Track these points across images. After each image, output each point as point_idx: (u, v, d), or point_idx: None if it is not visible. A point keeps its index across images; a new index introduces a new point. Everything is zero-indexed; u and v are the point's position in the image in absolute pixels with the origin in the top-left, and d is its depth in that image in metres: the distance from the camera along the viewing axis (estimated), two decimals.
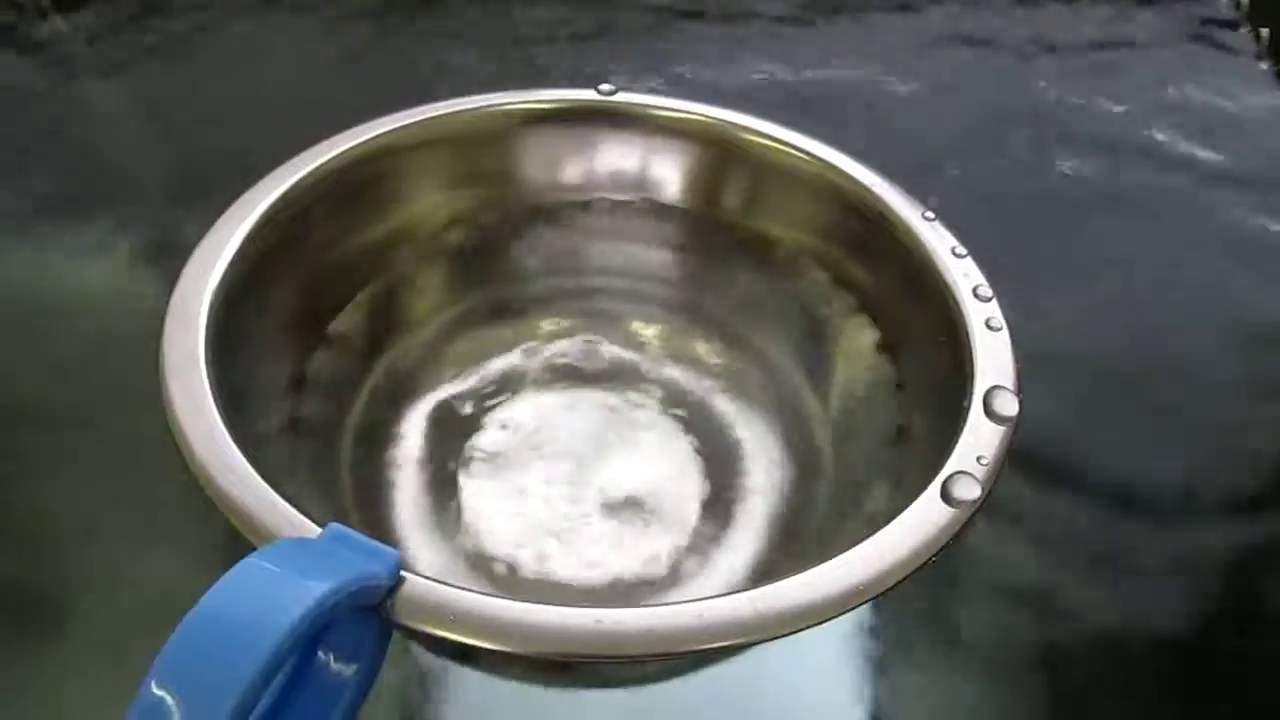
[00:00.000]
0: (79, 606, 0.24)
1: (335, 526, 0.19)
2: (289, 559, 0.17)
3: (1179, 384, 0.30)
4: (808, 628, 0.18)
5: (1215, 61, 0.42)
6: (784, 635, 0.18)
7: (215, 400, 0.21)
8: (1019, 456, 0.21)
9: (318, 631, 0.18)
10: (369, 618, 0.18)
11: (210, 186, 0.25)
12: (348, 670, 0.19)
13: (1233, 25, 0.44)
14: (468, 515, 0.25)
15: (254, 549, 0.17)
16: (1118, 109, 0.40)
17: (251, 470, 0.20)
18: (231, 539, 0.19)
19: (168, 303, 0.22)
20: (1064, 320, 0.32)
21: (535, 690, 0.23)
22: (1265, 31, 0.43)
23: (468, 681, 0.24)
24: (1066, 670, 0.24)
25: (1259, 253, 0.35)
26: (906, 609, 0.25)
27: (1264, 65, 0.42)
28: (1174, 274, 0.34)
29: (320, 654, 0.19)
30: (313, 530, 0.19)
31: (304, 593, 0.16)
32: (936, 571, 0.19)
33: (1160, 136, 0.39)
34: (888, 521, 0.19)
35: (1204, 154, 0.38)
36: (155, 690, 0.15)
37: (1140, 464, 0.28)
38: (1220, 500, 0.28)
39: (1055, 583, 0.26)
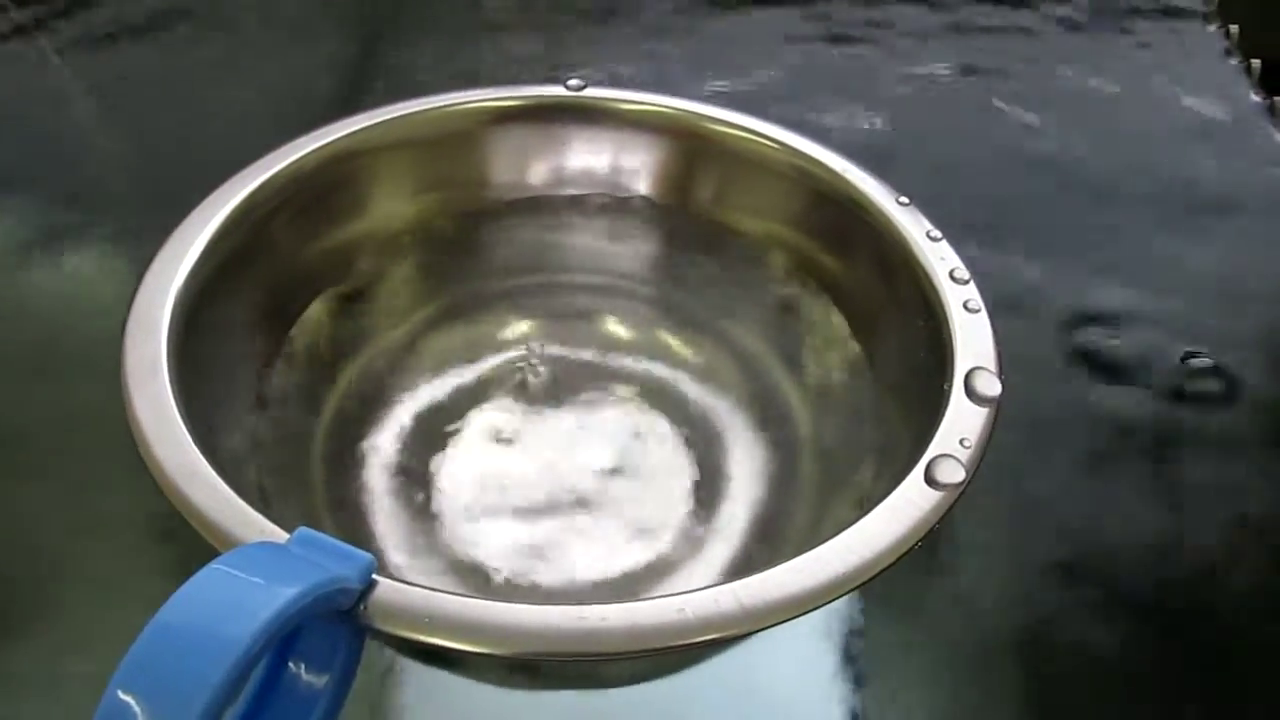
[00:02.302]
0: (33, 612, 0.24)
1: (304, 530, 0.18)
2: (255, 563, 0.17)
3: None
4: (794, 618, 0.18)
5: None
6: (770, 626, 0.18)
7: (178, 407, 0.20)
8: None
9: (287, 639, 0.18)
10: (341, 624, 0.18)
11: (174, 191, 0.25)
12: (320, 680, 0.18)
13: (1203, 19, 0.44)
14: (443, 520, 0.24)
15: None
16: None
17: (217, 477, 0.19)
18: (199, 548, 0.18)
19: (129, 309, 0.22)
20: None
21: (517, 694, 0.23)
22: (1235, 28, 0.44)
23: (447, 687, 0.23)
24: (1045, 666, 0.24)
25: None
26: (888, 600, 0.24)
27: (1233, 61, 0.42)
28: None
29: (291, 664, 0.18)
30: (281, 535, 0.18)
31: (271, 596, 0.16)
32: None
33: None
34: (872, 507, 0.19)
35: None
36: (120, 697, 0.14)
37: None
38: None
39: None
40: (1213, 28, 0.44)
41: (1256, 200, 0.36)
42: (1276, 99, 0.39)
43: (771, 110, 0.27)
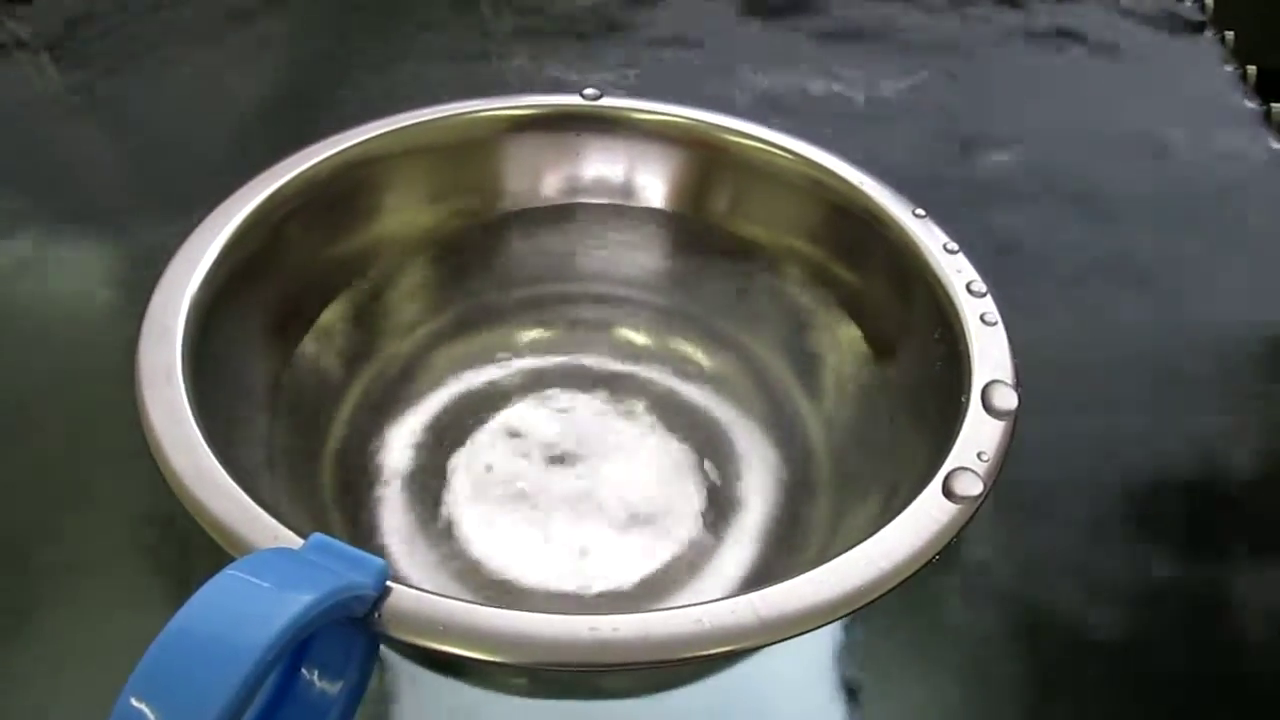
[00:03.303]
0: (46, 618, 0.24)
1: (318, 536, 0.18)
2: (270, 569, 0.17)
3: None
4: (812, 629, 0.18)
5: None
6: (788, 638, 0.17)
7: (192, 411, 0.20)
8: None
9: (301, 645, 0.18)
10: (355, 631, 0.18)
11: (185, 196, 0.25)
12: (333, 687, 0.18)
13: (1199, 27, 0.44)
14: (456, 528, 0.24)
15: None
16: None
17: (230, 481, 0.19)
18: (209, 552, 0.18)
19: (143, 314, 0.22)
20: None
21: (527, 704, 0.23)
22: (1230, 34, 0.44)
23: (459, 697, 0.23)
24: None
25: None
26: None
27: (1229, 68, 0.42)
28: None
29: (304, 671, 0.18)
30: (295, 541, 0.18)
31: (286, 603, 0.16)
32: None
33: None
34: (889, 519, 0.19)
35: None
36: (132, 704, 0.14)
37: None
38: None
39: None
40: (1210, 34, 0.44)
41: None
42: (1273, 105, 0.39)
43: None
